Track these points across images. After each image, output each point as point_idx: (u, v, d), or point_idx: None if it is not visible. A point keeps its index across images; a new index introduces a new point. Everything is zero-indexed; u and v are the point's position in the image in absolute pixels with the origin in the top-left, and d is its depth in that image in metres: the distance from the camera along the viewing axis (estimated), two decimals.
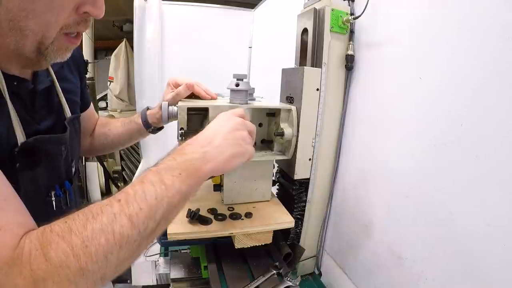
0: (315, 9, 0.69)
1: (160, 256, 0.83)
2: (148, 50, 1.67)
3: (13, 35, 0.38)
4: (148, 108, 0.77)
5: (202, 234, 0.62)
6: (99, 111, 2.96)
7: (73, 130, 0.60)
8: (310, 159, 0.73)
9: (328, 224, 0.84)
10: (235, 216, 0.67)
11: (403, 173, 0.60)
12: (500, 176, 0.41)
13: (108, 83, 2.84)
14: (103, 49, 3.55)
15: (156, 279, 0.71)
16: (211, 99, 0.69)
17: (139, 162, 1.89)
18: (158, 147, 1.65)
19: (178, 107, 0.59)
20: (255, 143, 0.72)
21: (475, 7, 0.44)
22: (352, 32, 0.71)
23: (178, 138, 0.59)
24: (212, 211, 0.69)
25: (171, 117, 0.63)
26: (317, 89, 0.69)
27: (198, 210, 0.63)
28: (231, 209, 0.70)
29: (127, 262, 0.37)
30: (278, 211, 0.72)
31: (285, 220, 0.69)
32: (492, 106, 0.42)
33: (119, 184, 2.84)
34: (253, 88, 0.69)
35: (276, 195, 0.83)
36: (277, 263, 0.70)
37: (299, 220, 0.78)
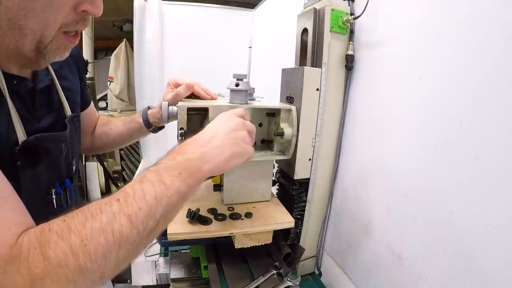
0: (315, 9, 0.69)
1: (160, 256, 0.83)
2: (148, 50, 1.67)
3: (13, 34, 0.39)
4: (149, 108, 0.77)
5: (202, 234, 0.62)
6: (99, 111, 2.95)
7: (73, 129, 0.60)
8: (310, 159, 0.73)
9: (328, 224, 0.84)
10: (235, 216, 0.67)
11: (403, 173, 0.60)
12: (500, 176, 0.41)
13: (108, 83, 2.84)
14: (103, 49, 3.55)
15: (156, 279, 0.71)
16: (211, 99, 0.69)
17: (139, 162, 1.89)
18: (158, 147, 1.65)
19: (178, 107, 0.59)
20: (255, 143, 0.73)
21: (475, 7, 0.44)
22: (352, 32, 0.71)
23: (178, 138, 0.59)
24: (212, 211, 0.69)
25: (171, 117, 0.63)
26: (317, 89, 0.69)
27: (198, 210, 0.63)
28: (231, 209, 0.70)
29: (126, 261, 0.37)
30: (278, 211, 0.72)
31: (285, 220, 0.69)
32: (492, 106, 0.42)
33: (119, 184, 2.84)
34: (253, 88, 0.69)
35: (276, 195, 0.83)
36: (277, 263, 0.70)
37: (299, 220, 0.78)
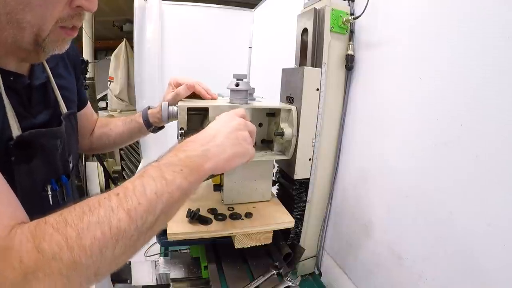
0: (315, 9, 0.69)
1: (160, 256, 0.83)
2: (148, 50, 1.67)
3: (11, 28, 0.39)
4: (149, 108, 0.77)
5: (202, 234, 0.62)
6: (99, 111, 2.96)
7: (69, 126, 0.60)
8: (310, 159, 0.73)
9: (328, 224, 0.84)
10: (235, 216, 0.67)
11: (403, 173, 0.60)
12: (500, 176, 0.41)
13: (108, 83, 2.84)
14: (103, 49, 3.55)
15: (156, 279, 0.71)
16: (211, 99, 0.70)
17: (139, 162, 1.89)
18: (158, 147, 1.65)
19: (178, 107, 0.59)
20: (255, 143, 0.73)
21: (475, 6, 0.44)
22: (352, 32, 0.71)
23: (178, 138, 0.59)
24: (212, 211, 0.69)
25: (171, 117, 0.63)
26: (317, 89, 0.69)
27: (198, 210, 0.63)
28: (231, 209, 0.70)
29: (122, 258, 0.36)
30: (278, 211, 0.72)
31: (285, 220, 0.69)
32: (492, 106, 0.42)
33: (119, 184, 2.83)
34: (253, 88, 0.69)
35: (276, 195, 0.83)
36: (277, 263, 0.70)
37: (299, 220, 0.78)
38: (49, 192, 0.53)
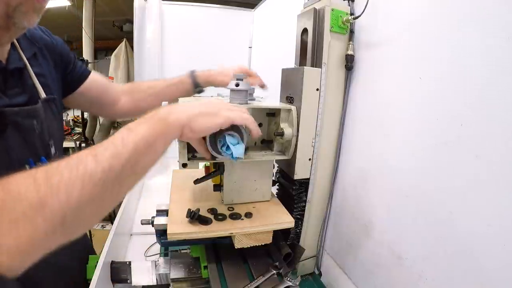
0: (315, 9, 0.69)
1: (160, 256, 0.83)
2: (148, 50, 1.67)
3: None
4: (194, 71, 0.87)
5: (202, 234, 0.62)
6: None
7: (49, 111, 0.62)
8: (310, 159, 0.73)
9: (328, 224, 0.84)
10: (235, 216, 0.67)
11: (403, 173, 0.60)
12: (500, 176, 0.41)
13: None
14: (103, 49, 3.56)
15: (156, 279, 0.71)
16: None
17: None
18: None
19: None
20: (255, 143, 0.73)
21: (475, 6, 0.44)
22: (352, 32, 0.71)
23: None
24: (212, 211, 0.69)
25: None
26: (317, 89, 0.69)
27: (198, 210, 0.63)
28: (231, 209, 0.70)
29: (89, 206, 0.35)
30: (278, 211, 0.72)
31: (285, 220, 0.69)
32: (492, 106, 0.42)
33: None
34: (253, 88, 0.69)
35: (276, 195, 0.83)
36: (277, 263, 0.70)
37: (299, 220, 0.78)
38: None
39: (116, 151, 0.37)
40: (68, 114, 4.20)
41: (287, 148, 0.69)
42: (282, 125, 0.67)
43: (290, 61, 0.82)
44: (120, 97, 0.86)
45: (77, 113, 3.59)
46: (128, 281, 0.72)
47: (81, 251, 0.81)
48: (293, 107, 0.67)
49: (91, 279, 0.65)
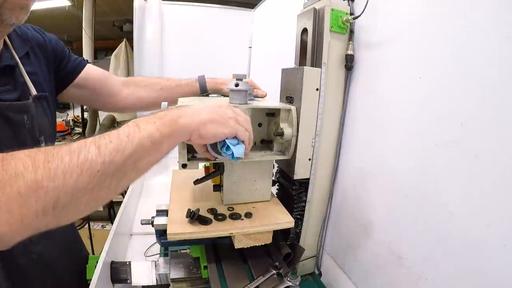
0: (314, 9, 0.68)
1: (160, 256, 0.83)
2: (148, 50, 1.67)
3: None
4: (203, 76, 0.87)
5: (202, 234, 0.62)
6: (99, 111, 2.96)
7: (40, 108, 0.64)
8: (310, 159, 0.73)
9: (328, 224, 0.84)
10: (235, 216, 0.67)
11: (403, 173, 0.60)
12: (500, 176, 0.41)
13: None
14: (103, 49, 3.56)
15: (156, 279, 0.71)
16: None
17: None
18: None
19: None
20: (254, 143, 0.73)
21: (476, 6, 0.44)
22: (351, 32, 0.71)
23: None
24: (212, 211, 0.69)
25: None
26: (317, 89, 0.69)
27: (198, 210, 0.63)
28: (231, 209, 0.70)
29: (84, 195, 0.35)
30: (278, 211, 0.72)
31: (285, 220, 0.69)
32: (492, 106, 0.42)
33: None
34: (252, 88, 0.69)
35: (276, 195, 0.83)
36: (277, 263, 0.70)
37: (299, 220, 0.78)
38: None
39: (120, 146, 0.37)
40: (68, 114, 4.20)
41: (287, 148, 0.69)
42: (282, 125, 0.67)
43: (290, 61, 0.82)
44: (121, 89, 0.86)
45: (77, 113, 3.59)
46: (128, 281, 0.72)
47: (73, 249, 0.81)
48: (293, 107, 0.67)
49: (91, 279, 0.65)
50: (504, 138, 0.40)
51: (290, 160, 0.70)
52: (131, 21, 1.81)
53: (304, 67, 0.67)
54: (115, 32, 3.09)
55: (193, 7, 1.76)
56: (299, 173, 0.72)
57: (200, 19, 1.77)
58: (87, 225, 2.37)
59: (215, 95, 0.86)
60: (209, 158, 0.58)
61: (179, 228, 0.61)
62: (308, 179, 0.75)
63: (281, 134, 0.66)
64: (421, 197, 0.55)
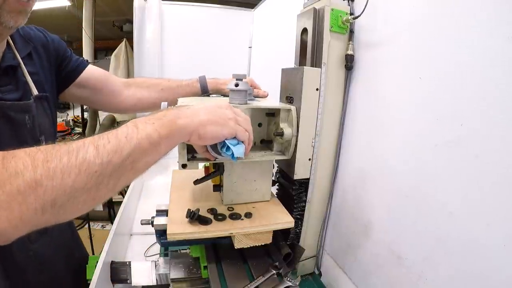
0: (314, 9, 0.68)
1: (160, 256, 0.83)
2: (148, 50, 1.67)
3: None
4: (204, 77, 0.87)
5: (202, 234, 0.62)
6: (99, 111, 2.96)
7: (41, 108, 0.64)
8: (309, 159, 0.73)
9: (328, 224, 0.84)
10: (235, 216, 0.67)
11: (403, 173, 0.60)
12: (500, 176, 0.41)
13: None
14: (103, 49, 3.56)
15: (156, 279, 0.71)
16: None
17: None
18: None
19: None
20: (254, 143, 0.73)
21: (475, 6, 0.44)
22: (351, 31, 0.71)
23: None
24: (212, 211, 0.69)
25: None
26: (317, 89, 0.69)
27: (198, 210, 0.63)
28: (231, 209, 0.70)
29: (82, 194, 0.35)
30: (278, 211, 0.72)
31: (285, 220, 0.69)
32: (492, 106, 0.42)
33: None
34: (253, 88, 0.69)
35: (276, 195, 0.83)
36: (277, 263, 0.70)
37: (299, 220, 0.78)
38: None
39: (118, 146, 0.37)
40: (68, 114, 4.21)
41: (286, 148, 0.69)
42: (282, 125, 0.67)
43: (290, 61, 0.82)
44: (122, 90, 0.87)
45: (77, 113, 3.59)
46: (128, 281, 0.72)
47: (70, 248, 0.82)
48: (292, 107, 0.67)
49: (91, 279, 0.65)
50: (504, 138, 0.40)
51: (290, 160, 0.70)
52: (131, 21, 1.81)
53: (304, 67, 0.67)
54: (115, 32, 3.09)
55: (193, 7, 1.76)
56: (299, 173, 0.72)
57: (200, 19, 1.77)
58: (87, 225, 2.38)
59: (216, 95, 0.86)
60: (209, 158, 0.58)
61: (179, 228, 0.61)
62: (308, 179, 0.75)
63: (281, 134, 0.66)
64: (421, 197, 0.55)
